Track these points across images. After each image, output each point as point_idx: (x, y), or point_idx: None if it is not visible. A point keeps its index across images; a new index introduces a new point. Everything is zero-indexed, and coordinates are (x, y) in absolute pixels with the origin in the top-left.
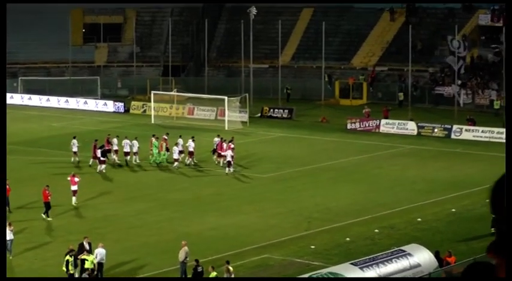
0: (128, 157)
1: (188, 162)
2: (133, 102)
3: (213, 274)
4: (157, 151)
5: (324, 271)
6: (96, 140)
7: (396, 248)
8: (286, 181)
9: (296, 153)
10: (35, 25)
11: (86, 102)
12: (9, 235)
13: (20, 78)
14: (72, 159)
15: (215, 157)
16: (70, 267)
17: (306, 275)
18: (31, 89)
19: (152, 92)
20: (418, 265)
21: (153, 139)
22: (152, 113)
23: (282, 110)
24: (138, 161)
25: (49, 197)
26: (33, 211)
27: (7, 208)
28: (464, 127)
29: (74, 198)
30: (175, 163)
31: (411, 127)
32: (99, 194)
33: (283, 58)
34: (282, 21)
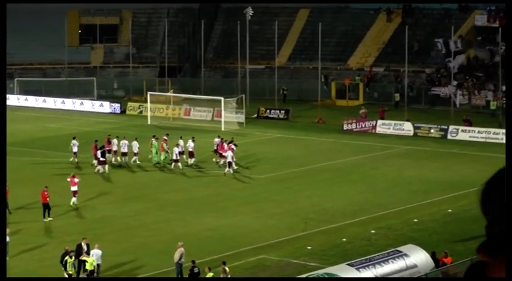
0: (126, 158)
1: (190, 163)
2: (129, 103)
3: (210, 275)
4: (156, 151)
5: (320, 272)
6: (96, 141)
7: (393, 249)
8: (282, 181)
9: (292, 154)
10: (31, 26)
11: (82, 103)
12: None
13: (16, 79)
14: (72, 159)
15: (217, 157)
16: (69, 268)
17: (303, 276)
18: (27, 90)
19: (148, 93)
20: (415, 266)
21: (153, 140)
22: (148, 114)
23: (278, 111)
24: (138, 161)
25: (48, 199)
26: (30, 211)
27: (7, 210)
28: (461, 128)
29: (73, 198)
30: (177, 164)
31: (407, 128)
32: (97, 195)
33: (280, 59)
34: (278, 22)
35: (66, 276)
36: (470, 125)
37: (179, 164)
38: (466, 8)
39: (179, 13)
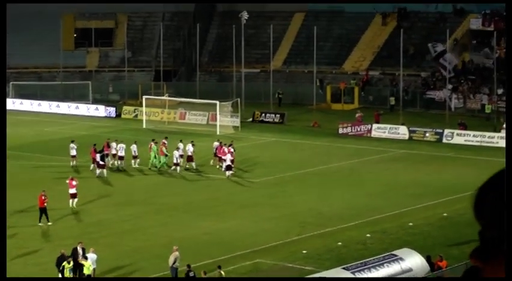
0: (123, 162)
1: (190, 166)
2: (124, 107)
3: None
4: (154, 155)
5: (315, 276)
6: (95, 145)
7: (388, 253)
8: (278, 185)
9: (288, 158)
10: (26, 30)
11: (77, 107)
12: None
13: (11, 83)
14: (71, 163)
15: (216, 160)
16: (67, 274)
17: None
18: (22, 93)
19: (144, 96)
20: (410, 270)
21: (152, 144)
22: (144, 117)
23: (273, 115)
24: (137, 165)
25: (45, 203)
26: (25, 215)
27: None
28: (456, 131)
29: (71, 201)
30: (177, 167)
31: (403, 132)
32: (93, 199)
33: (275, 63)
34: (274, 25)
35: None
36: (466, 128)
37: (178, 167)
38: (461, 12)
39: (174, 17)
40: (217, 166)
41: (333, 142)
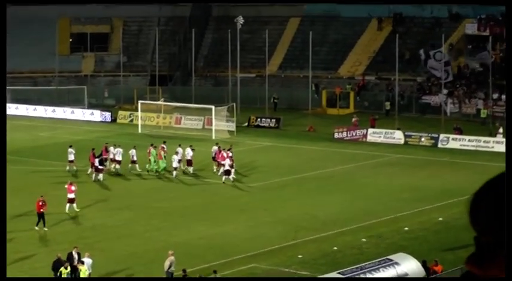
0: (119, 166)
1: (188, 171)
2: (120, 112)
3: None
4: (154, 159)
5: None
6: (93, 149)
7: (384, 258)
8: (273, 190)
9: (283, 162)
10: (21, 35)
11: (72, 112)
12: None
13: (6, 87)
14: (68, 167)
15: (215, 165)
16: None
17: None
18: (18, 98)
19: (139, 101)
20: (405, 274)
21: (151, 148)
22: (139, 122)
23: (269, 120)
24: (136, 169)
25: (41, 209)
26: (21, 220)
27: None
28: (451, 136)
29: (69, 205)
30: (175, 172)
31: (398, 136)
32: (89, 203)
33: (270, 67)
34: (269, 30)
35: None
36: (461, 133)
37: (176, 172)
38: (457, 17)
39: (170, 21)
40: (214, 170)
41: (329, 146)
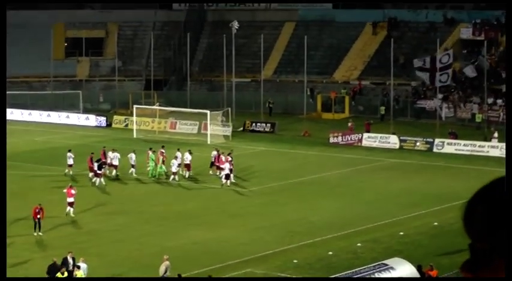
0: (115, 170)
1: (187, 175)
2: (115, 117)
3: None
4: (154, 164)
5: None
6: (92, 153)
7: (379, 262)
8: (268, 194)
9: (278, 167)
10: (16, 39)
11: (68, 117)
12: None
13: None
14: (67, 171)
15: (214, 169)
16: None
17: None
18: (13, 103)
19: (134, 106)
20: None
21: (150, 152)
22: (134, 127)
23: (264, 124)
24: (135, 174)
25: (38, 216)
26: (16, 225)
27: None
28: (446, 141)
29: (70, 209)
30: (175, 176)
31: (393, 141)
32: (85, 208)
33: (266, 72)
34: (264, 35)
35: None
36: (456, 138)
37: (175, 176)
38: (452, 21)
39: (165, 26)
40: (214, 174)
41: (324, 151)
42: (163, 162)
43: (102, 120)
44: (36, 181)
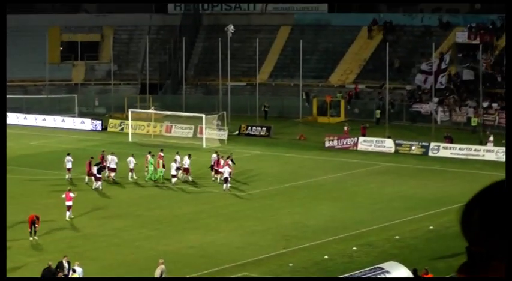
0: (113, 174)
1: (186, 179)
2: (110, 121)
3: None
4: (153, 168)
5: None
6: (91, 158)
7: (374, 266)
8: (264, 198)
9: (274, 171)
10: (11, 43)
11: (63, 121)
12: None
13: None
14: (66, 176)
15: (213, 173)
16: None
17: None
18: (8, 107)
19: (130, 110)
20: None
21: (149, 156)
22: (130, 131)
23: (259, 128)
24: (135, 177)
25: (33, 225)
26: (12, 229)
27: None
28: (442, 144)
29: (68, 213)
30: (175, 179)
31: (389, 145)
32: (81, 212)
33: (261, 76)
34: (260, 39)
35: None
36: (451, 141)
37: (175, 179)
38: (447, 25)
39: (160, 30)
40: (213, 178)
41: (319, 155)
42: (163, 166)
43: (98, 124)
44: (32, 185)
